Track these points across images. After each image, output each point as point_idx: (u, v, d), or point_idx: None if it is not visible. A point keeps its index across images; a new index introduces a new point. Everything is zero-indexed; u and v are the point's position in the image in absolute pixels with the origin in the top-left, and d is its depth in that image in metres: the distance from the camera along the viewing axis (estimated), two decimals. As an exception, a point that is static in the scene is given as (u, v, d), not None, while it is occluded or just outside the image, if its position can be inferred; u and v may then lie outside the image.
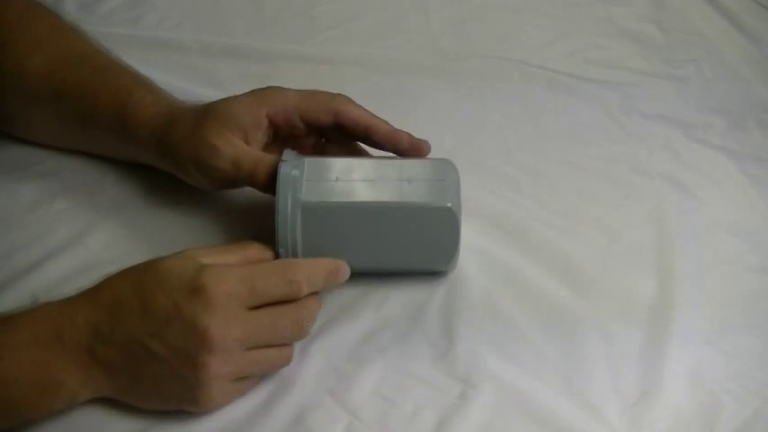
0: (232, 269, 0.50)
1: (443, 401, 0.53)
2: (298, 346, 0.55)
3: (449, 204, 0.55)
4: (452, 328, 0.57)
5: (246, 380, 0.52)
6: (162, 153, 0.62)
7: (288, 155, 0.56)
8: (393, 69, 0.80)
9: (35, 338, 0.49)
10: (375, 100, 0.76)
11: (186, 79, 0.76)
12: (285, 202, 0.54)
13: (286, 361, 0.53)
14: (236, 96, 0.60)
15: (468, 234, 0.60)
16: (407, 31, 0.85)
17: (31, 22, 0.67)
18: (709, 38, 0.84)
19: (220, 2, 0.87)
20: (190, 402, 0.50)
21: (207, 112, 0.60)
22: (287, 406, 0.52)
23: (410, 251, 0.57)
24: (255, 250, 0.55)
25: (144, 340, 0.49)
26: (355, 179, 0.55)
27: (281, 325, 0.51)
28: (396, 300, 0.59)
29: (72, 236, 0.63)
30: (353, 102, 0.60)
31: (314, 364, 0.55)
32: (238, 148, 0.58)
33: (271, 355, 0.52)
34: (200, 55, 0.80)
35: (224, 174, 0.58)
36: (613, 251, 0.63)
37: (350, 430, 0.52)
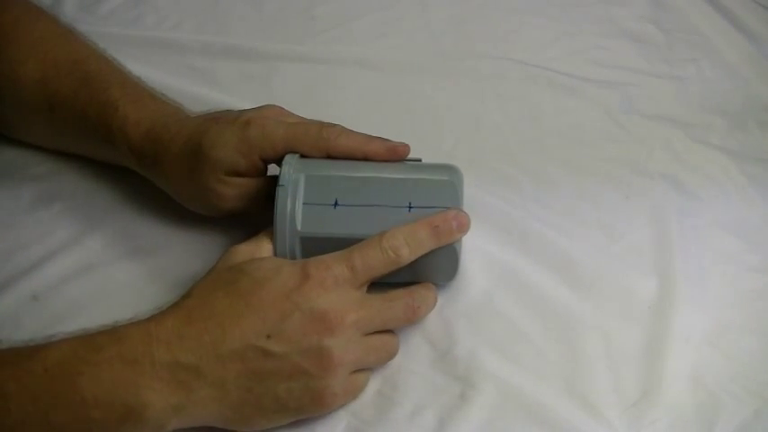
0: (329, 255, 0.51)
1: (443, 401, 0.53)
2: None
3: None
4: (452, 328, 0.57)
5: (361, 374, 0.52)
6: (155, 180, 0.62)
7: (290, 159, 0.56)
8: (393, 69, 0.80)
9: (119, 356, 0.46)
10: (375, 100, 0.77)
11: (186, 79, 0.76)
12: (283, 232, 0.54)
13: (395, 351, 0.54)
14: (224, 138, 0.57)
15: (469, 234, 0.59)
16: (407, 31, 0.85)
17: (26, 27, 0.66)
18: (710, 38, 0.84)
19: (220, 2, 0.87)
20: (312, 401, 0.49)
21: (198, 156, 0.57)
22: (287, 406, 0.52)
23: (409, 273, 0.57)
24: None
25: (260, 344, 0.47)
26: (355, 204, 0.55)
27: (394, 306, 0.52)
28: (396, 300, 0.59)
29: (71, 236, 0.63)
30: (344, 132, 0.57)
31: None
32: (243, 185, 0.58)
33: (384, 343, 0.53)
34: (200, 55, 0.80)
35: (234, 210, 0.59)
36: (613, 251, 0.63)
37: (350, 430, 0.52)
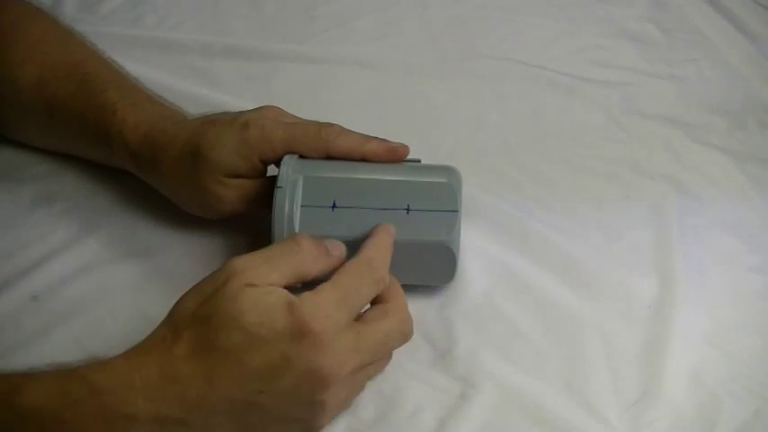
0: (323, 295, 0.46)
1: (443, 401, 0.53)
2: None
3: (446, 240, 0.54)
4: (452, 328, 0.57)
5: (349, 399, 0.51)
6: (153, 184, 0.62)
7: (288, 160, 0.56)
8: (393, 69, 0.80)
9: (101, 413, 0.43)
10: (375, 100, 0.77)
11: (186, 79, 0.76)
12: (281, 234, 0.54)
13: (383, 367, 0.53)
14: (223, 140, 0.56)
15: (469, 234, 0.60)
16: (407, 31, 0.85)
17: (25, 28, 0.66)
18: (710, 38, 0.84)
19: (220, 2, 0.87)
20: None
21: (196, 158, 0.57)
22: (287, 406, 0.52)
23: (407, 275, 0.57)
24: (309, 251, 0.49)
25: (251, 399, 0.45)
26: (353, 206, 0.55)
27: (390, 341, 0.50)
28: (396, 300, 0.59)
29: (72, 236, 0.63)
30: (343, 131, 0.57)
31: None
32: (242, 187, 0.58)
33: (377, 369, 0.52)
34: (201, 55, 0.80)
35: (234, 212, 0.59)
36: (613, 251, 0.63)
37: (350, 430, 0.52)
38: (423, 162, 0.58)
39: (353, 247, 0.52)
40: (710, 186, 0.69)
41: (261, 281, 0.46)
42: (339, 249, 0.51)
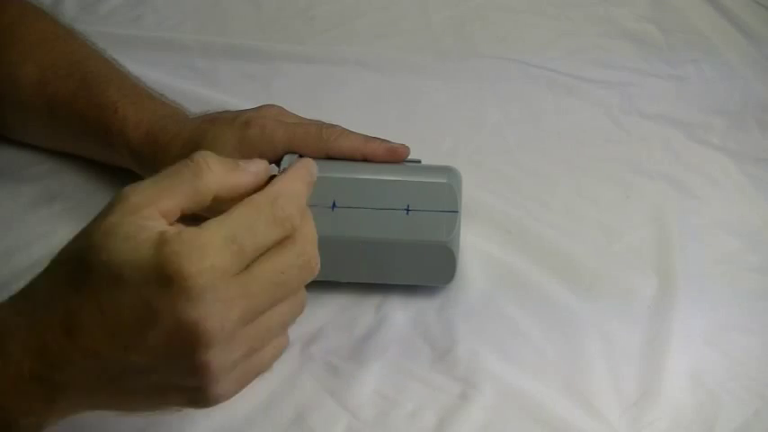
0: (204, 233, 0.38)
1: (443, 401, 0.53)
2: (297, 347, 0.55)
3: (445, 240, 0.55)
4: (452, 328, 0.57)
5: (259, 355, 0.42)
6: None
7: (289, 160, 0.56)
8: (393, 69, 0.80)
9: None
10: (375, 100, 0.77)
11: (186, 79, 0.76)
12: None
13: (300, 309, 0.44)
14: (223, 139, 0.56)
15: (469, 234, 0.60)
16: (407, 31, 0.85)
17: (25, 28, 0.66)
18: (709, 38, 0.85)
19: (220, 2, 0.87)
20: (196, 404, 0.41)
21: None
22: (287, 406, 0.52)
23: (407, 276, 0.57)
24: (210, 166, 0.42)
25: (118, 355, 0.38)
26: (353, 206, 0.55)
27: (288, 276, 0.41)
28: (396, 299, 0.59)
29: (72, 236, 0.62)
30: (344, 133, 0.57)
31: (314, 364, 0.55)
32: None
33: (281, 314, 0.42)
34: (200, 55, 0.80)
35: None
36: (613, 251, 0.63)
37: (350, 430, 0.52)
38: (423, 162, 0.58)
39: (354, 248, 0.52)
40: (710, 186, 0.69)
41: (147, 206, 0.39)
42: (257, 166, 0.43)
